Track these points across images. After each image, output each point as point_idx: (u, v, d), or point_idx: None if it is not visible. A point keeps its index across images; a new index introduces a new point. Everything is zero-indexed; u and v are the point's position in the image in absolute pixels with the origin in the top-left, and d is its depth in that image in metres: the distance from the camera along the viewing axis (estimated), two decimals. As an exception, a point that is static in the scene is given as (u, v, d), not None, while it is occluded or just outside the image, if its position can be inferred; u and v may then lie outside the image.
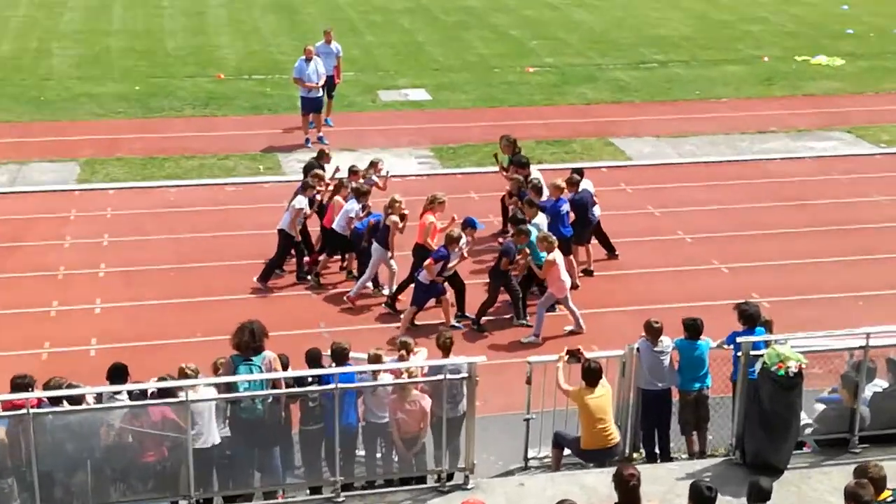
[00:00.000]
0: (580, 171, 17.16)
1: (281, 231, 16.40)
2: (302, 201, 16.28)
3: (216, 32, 32.27)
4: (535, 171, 17.65)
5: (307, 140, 22.58)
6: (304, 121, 22.60)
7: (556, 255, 14.86)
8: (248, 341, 10.36)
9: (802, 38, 32.65)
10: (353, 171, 17.11)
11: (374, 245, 15.82)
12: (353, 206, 16.21)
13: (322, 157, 17.89)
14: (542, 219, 15.81)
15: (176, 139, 22.95)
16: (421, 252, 15.45)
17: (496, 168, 18.59)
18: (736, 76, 28.47)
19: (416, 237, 15.76)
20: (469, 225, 15.52)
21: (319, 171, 17.16)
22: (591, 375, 11.03)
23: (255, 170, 21.45)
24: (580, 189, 16.63)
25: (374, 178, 17.34)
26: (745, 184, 21.13)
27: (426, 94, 26.48)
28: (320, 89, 22.35)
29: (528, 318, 15.42)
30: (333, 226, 16.34)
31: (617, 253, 17.57)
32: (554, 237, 15.01)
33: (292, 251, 16.66)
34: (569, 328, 15.27)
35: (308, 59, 22.16)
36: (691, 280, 16.98)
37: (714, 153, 22.90)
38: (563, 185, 16.35)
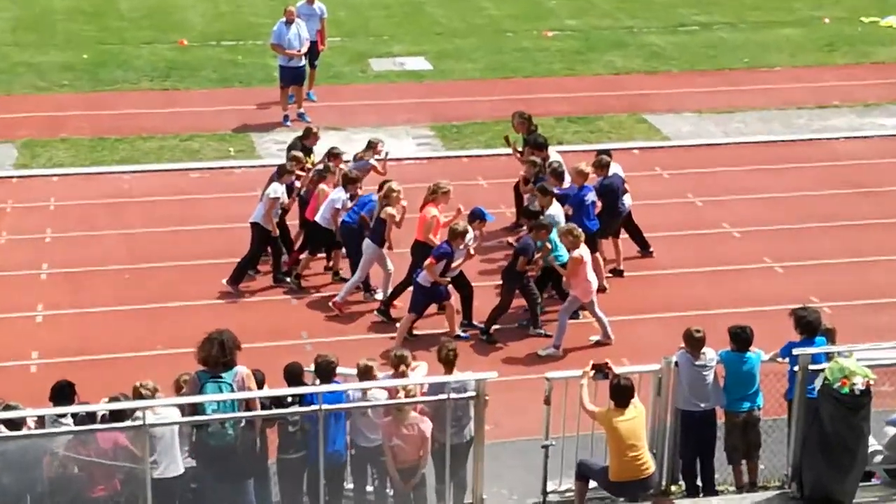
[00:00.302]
0: (608, 153, 17.16)
1: (254, 225, 16.41)
2: (277, 189, 16.29)
3: (178, -9, 32.28)
4: (554, 154, 17.65)
5: (286, 117, 22.60)
6: (283, 94, 22.61)
7: (583, 252, 14.87)
8: (217, 355, 10.35)
9: (870, -4, 32.63)
10: (333, 154, 17.11)
11: (367, 242, 15.82)
12: (339, 195, 16.23)
13: (308, 137, 17.91)
14: (556, 209, 15.81)
15: (131, 117, 22.96)
16: (421, 250, 15.46)
17: (508, 150, 18.59)
18: (791, 41, 28.45)
19: (416, 233, 15.77)
20: (477, 217, 15.52)
21: (298, 154, 17.17)
22: (622, 394, 11.03)
23: (224, 153, 21.47)
24: (610, 173, 16.62)
25: (372, 161, 17.35)
26: (803, 167, 21.12)
27: (426, 63, 26.49)
28: (302, 57, 22.36)
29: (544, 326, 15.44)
30: (317, 218, 16.36)
31: (651, 250, 17.57)
32: (580, 230, 15.01)
33: (268, 248, 16.68)
34: (595, 338, 15.28)
35: (289, 22, 22.18)
36: (739, 281, 16.98)
37: (766, 132, 22.90)
38: (589, 170, 16.35)
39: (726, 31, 29.25)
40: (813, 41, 28.43)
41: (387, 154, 17.72)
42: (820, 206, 19.45)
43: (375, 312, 15.82)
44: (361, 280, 16.12)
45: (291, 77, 22.39)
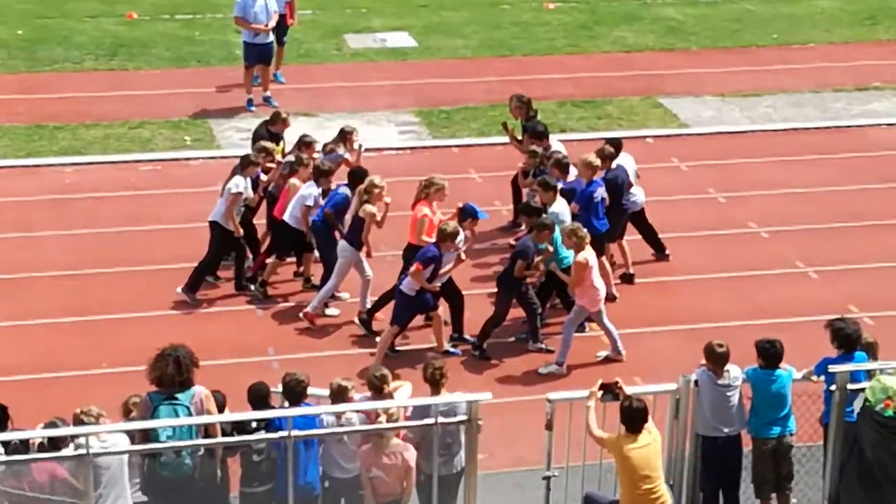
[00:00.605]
0: (616, 143, 17.20)
1: (214, 224, 16.41)
2: (240, 183, 16.28)
3: (126, -44, 32.27)
4: (557, 143, 17.69)
5: (250, 101, 22.62)
6: (248, 75, 22.64)
7: (588, 255, 14.90)
8: (172, 373, 10.36)
9: (916, -37, 32.76)
10: (305, 143, 17.12)
11: (342, 244, 15.84)
12: (310, 190, 16.24)
13: (276, 123, 17.91)
14: (562, 205, 15.84)
15: (73, 101, 22.95)
16: (415, 254, 15.48)
17: (505, 139, 18.62)
18: (827, 13, 28.55)
19: (409, 235, 15.79)
20: (469, 215, 15.54)
21: (266, 143, 17.17)
22: (634, 418, 11.05)
23: (179, 142, 21.48)
24: (613, 165, 16.67)
25: (343, 153, 17.37)
26: (840, 159, 21.20)
27: (410, 40, 26.52)
28: (270, 33, 22.38)
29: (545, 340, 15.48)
30: (285, 217, 16.36)
31: (667, 252, 17.61)
32: (585, 231, 15.04)
33: (230, 251, 16.68)
34: (603, 353, 15.31)
35: (256, -7, 22.22)
36: (767, 288, 17.03)
37: (798, 117, 22.97)
38: (599, 162, 16.39)
39: (753, 2, 29.36)
40: (851, 14, 28.54)
41: (361, 146, 17.73)
42: (859, 202, 19.51)
43: (356, 320, 15.82)
44: (336, 288, 16.13)
45: (257, 55, 22.40)
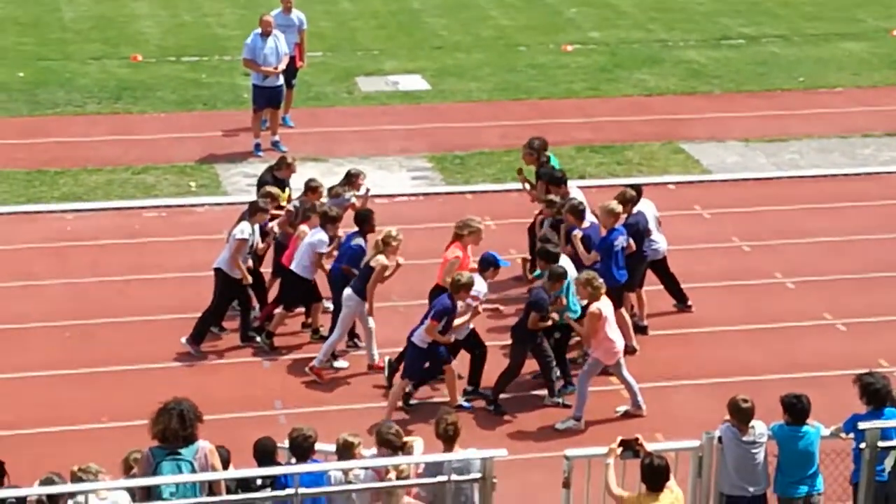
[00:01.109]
0: (637, 187, 17.24)
1: (218, 271, 16.45)
2: (245, 229, 16.34)
3: (132, -3, 32.56)
4: (575, 190, 17.72)
5: (258, 146, 22.72)
6: (256, 119, 22.75)
7: (603, 306, 14.90)
8: (176, 428, 10.35)
9: (947, 4, 32.86)
10: (311, 188, 17.17)
11: (347, 292, 15.86)
12: (319, 237, 16.28)
13: (282, 168, 17.98)
14: (567, 261, 15.81)
15: (75, 145, 23.07)
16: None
17: (520, 185, 18.66)
18: (855, 56, 28.63)
19: (437, 277, 15.81)
20: (491, 264, 15.55)
21: (272, 189, 17.23)
22: (655, 476, 11.02)
23: (184, 188, 21.56)
24: (634, 210, 16.69)
25: (350, 197, 17.41)
26: (869, 206, 21.19)
27: (423, 83, 26.65)
28: (280, 75, 22.50)
29: (564, 394, 15.44)
30: (293, 266, 16.40)
31: (689, 303, 17.60)
32: (601, 280, 15.05)
33: (235, 299, 16.70)
34: (623, 408, 15.28)
35: (265, 34, 22.34)
36: (794, 341, 17.00)
37: (825, 164, 22.99)
38: (620, 208, 16.41)
39: (778, 45, 29.44)
40: (880, 57, 28.61)
41: (368, 190, 17.81)
42: (889, 252, 19.48)
43: (370, 369, 15.83)
44: (341, 339, 16.14)
45: (267, 98, 22.52)
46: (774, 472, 11.91)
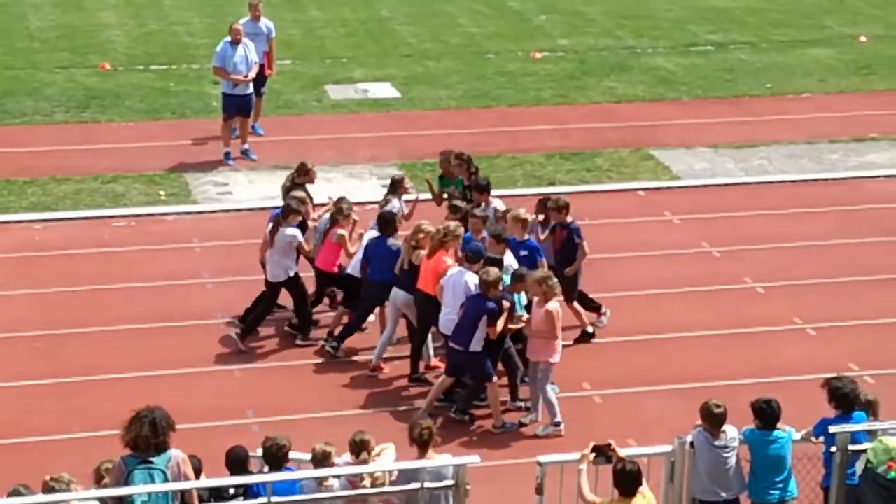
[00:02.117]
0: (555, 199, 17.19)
1: (283, 283, 16.55)
2: (298, 233, 16.45)
3: (98, 6, 32.43)
4: (496, 201, 17.65)
5: (227, 154, 22.68)
6: (225, 127, 22.70)
7: (558, 306, 14.93)
8: (148, 436, 10.30)
9: (913, 10, 33.10)
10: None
11: (400, 293, 15.95)
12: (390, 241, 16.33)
13: (304, 174, 17.89)
14: (510, 258, 15.86)
15: (43, 155, 22.96)
16: (432, 303, 15.53)
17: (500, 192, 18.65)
18: (822, 63, 28.79)
19: (425, 285, 15.82)
20: (481, 256, 15.53)
21: (300, 193, 17.18)
22: (628, 481, 11.03)
23: (153, 196, 21.49)
24: (568, 219, 16.71)
25: (397, 203, 17.35)
26: (837, 212, 21.30)
27: (393, 90, 26.65)
28: (250, 84, 22.47)
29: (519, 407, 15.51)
30: (350, 269, 16.58)
31: (604, 311, 17.44)
32: (555, 279, 15.06)
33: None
34: (529, 418, 15.25)
35: (234, 42, 22.30)
36: (764, 346, 17.06)
37: (793, 169, 23.10)
38: (530, 217, 16.45)
39: (746, 51, 29.59)
40: (847, 63, 28.78)
41: (418, 197, 17.98)
42: (858, 256, 19.59)
43: (409, 381, 15.87)
44: (392, 336, 16.28)
45: (237, 107, 22.49)
46: (747, 476, 11.94)
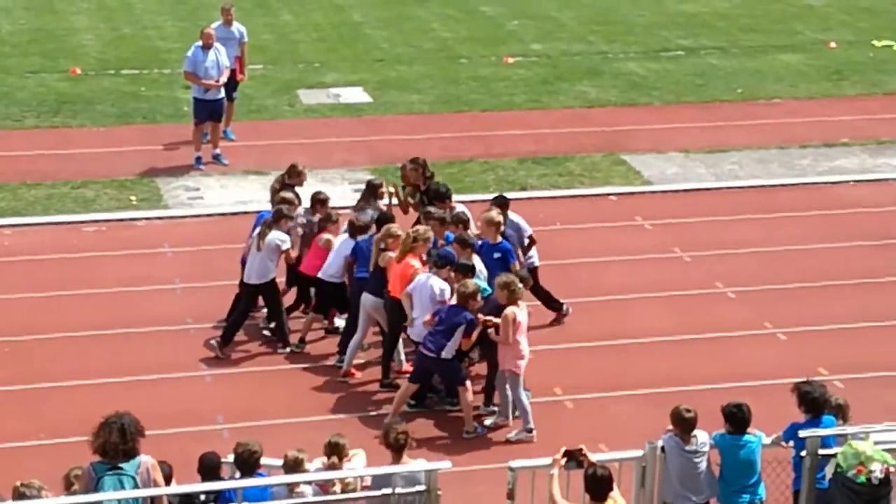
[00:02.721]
0: (504, 200, 17.18)
1: (257, 285, 16.46)
2: (285, 238, 16.39)
3: (70, 10, 32.31)
4: (459, 206, 17.62)
5: (198, 159, 22.61)
6: (197, 132, 22.64)
7: (519, 311, 14.91)
8: (117, 441, 10.27)
9: (883, 17, 33.26)
10: (319, 201, 17.17)
11: (368, 297, 15.91)
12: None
13: (294, 175, 17.82)
14: (478, 261, 15.86)
15: (13, 160, 22.85)
16: (400, 308, 15.51)
17: (468, 196, 18.66)
18: (792, 68, 28.90)
19: (392, 288, 15.78)
20: (449, 261, 15.47)
21: (287, 194, 17.10)
22: (599, 486, 11.05)
23: (124, 202, 21.41)
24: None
25: (370, 212, 17.25)
26: (808, 216, 21.38)
27: (365, 95, 26.63)
28: (221, 88, 22.41)
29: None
30: (320, 274, 16.48)
31: (566, 309, 17.47)
32: (520, 284, 15.07)
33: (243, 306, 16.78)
34: (493, 421, 15.25)
35: (206, 47, 22.23)
36: (735, 351, 17.10)
37: (764, 174, 23.18)
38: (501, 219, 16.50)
39: (717, 56, 29.68)
40: (817, 69, 28.90)
41: (391, 198, 17.95)
42: (828, 261, 19.67)
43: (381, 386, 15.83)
44: (361, 341, 16.26)
45: (208, 112, 22.43)
46: (718, 480, 11.97)
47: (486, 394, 15.52)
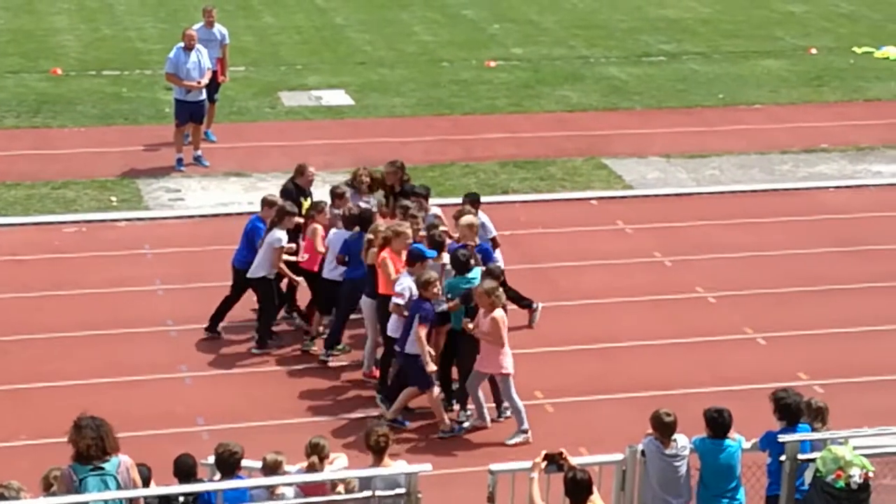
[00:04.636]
0: (476, 198, 17.22)
1: (253, 280, 16.41)
2: (283, 237, 16.32)
3: (50, 10, 32.21)
4: (435, 208, 17.66)
5: (180, 161, 22.57)
6: (178, 134, 22.60)
7: (504, 314, 14.95)
8: (92, 443, 10.21)
9: (863, 23, 33.42)
10: (337, 195, 17.11)
11: (364, 298, 15.88)
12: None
13: (299, 175, 17.75)
14: (447, 258, 15.86)
15: (-7, 159, 22.80)
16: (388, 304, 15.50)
17: (446, 200, 18.66)
18: (773, 74, 28.99)
19: (380, 285, 15.73)
20: (418, 258, 15.41)
21: (271, 196, 17.04)
22: (578, 489, 11.05)
23: (105, 202, 21.36)
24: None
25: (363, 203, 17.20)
26: (788, 222, 21.45)
27: (347, 98, 26.62)
28: (203, 90, 22.39)
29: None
30: (325, 274, 16.46)
31: (534, 306, 17.47)
32: (500, 290, 15.06)
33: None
34: (468, 423, 15.25)
35: (188, 49, 22.20)
36: (715, 355, 17.15)
37: (744, 179, 23.25)
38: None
39: (698, 62, 29.76)
40: (798, 75, 29.00)
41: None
42: (808, 266, 19.73)
43: (377, 397, 15.61)
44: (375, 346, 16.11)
45: (189, 113, 22.39)
46: (697, 485, 12.00)
47: (460, 400, 15.48)
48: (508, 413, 15.19)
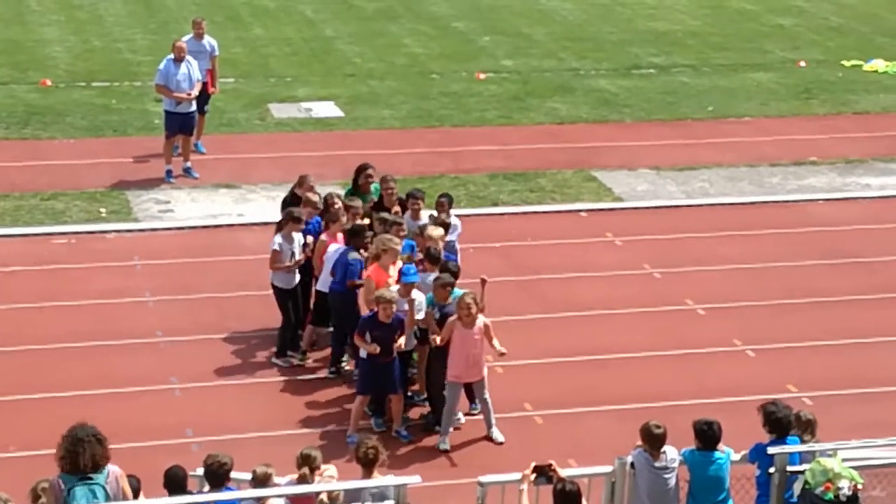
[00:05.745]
0: (449, 199, 17.37)
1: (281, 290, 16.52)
2: (275, 240, 16.35)
3: (40, 21, 32.21)
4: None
5: (169, 172, 22.57)
6: (168, 145, 22.61)
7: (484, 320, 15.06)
8: (80, 453, 10.19)
9: (852, 37, 33.52)
10: (346, 207, 17.04)
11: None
12: (353, 255, 16.21)
13: (302, 185, 17.77)
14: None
15: (-18, 171, 22.78)
16: None
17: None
18: (763, 87, 29.07)
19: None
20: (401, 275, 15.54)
21: (312, 196, 17.11)
22: (567, 501, 11.06)
23: (94, 214, 21.35)
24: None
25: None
26: (777, 234, 21.50)
27: (337, 110, 26.64)
28: (193, 101, 22.41)
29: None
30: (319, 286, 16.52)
31: None
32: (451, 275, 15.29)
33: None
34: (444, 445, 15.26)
35: (178, 60, 22.22)
36: (705, 367, 17.18)
37: (734, 192, 23.30)
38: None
39: (688, 74, 29.83)
40: (787, 87, 29.08)
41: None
42: (797, 279, 19.78)
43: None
44: None
45: (179, 125, 22.41)
46: (686, 497, 12.02)
47: (436, 416, 15.44)
48: (478, 409, 15.28)
